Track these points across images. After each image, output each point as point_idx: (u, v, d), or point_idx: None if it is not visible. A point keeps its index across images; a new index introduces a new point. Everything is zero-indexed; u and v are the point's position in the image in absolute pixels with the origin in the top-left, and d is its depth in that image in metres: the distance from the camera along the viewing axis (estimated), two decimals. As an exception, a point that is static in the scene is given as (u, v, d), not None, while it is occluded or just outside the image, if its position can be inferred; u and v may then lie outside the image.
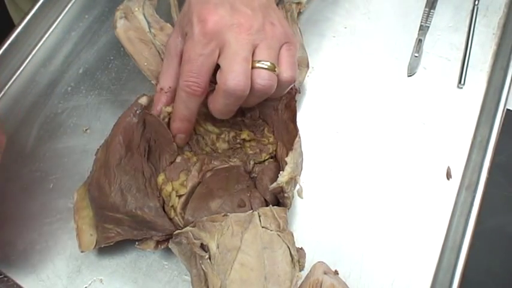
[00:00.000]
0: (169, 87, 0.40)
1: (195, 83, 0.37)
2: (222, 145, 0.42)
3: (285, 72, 0.38)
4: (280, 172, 0.38)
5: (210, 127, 0.43)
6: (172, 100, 0.41)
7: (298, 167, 0.40)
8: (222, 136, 0.43)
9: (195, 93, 0.37)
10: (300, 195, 0.40)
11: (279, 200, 0.40)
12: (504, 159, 0.91)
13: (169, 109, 0.41)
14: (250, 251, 0.36)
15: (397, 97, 0.50)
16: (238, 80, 0.36)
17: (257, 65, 0.37)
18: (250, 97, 0.37)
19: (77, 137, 0.48)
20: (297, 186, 0.40)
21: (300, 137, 0.41)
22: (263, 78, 0.37)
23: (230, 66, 0.36)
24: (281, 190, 0.38)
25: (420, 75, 0.51)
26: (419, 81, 0.51)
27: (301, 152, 0.41)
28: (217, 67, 0.37)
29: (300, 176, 0.41)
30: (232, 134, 0.43)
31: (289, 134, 0.41)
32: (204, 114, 0.42)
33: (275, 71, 0.37)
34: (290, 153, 0.39)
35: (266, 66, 0.37)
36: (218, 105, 0.38)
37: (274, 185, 0.38)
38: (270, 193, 0.39)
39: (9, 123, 0.48)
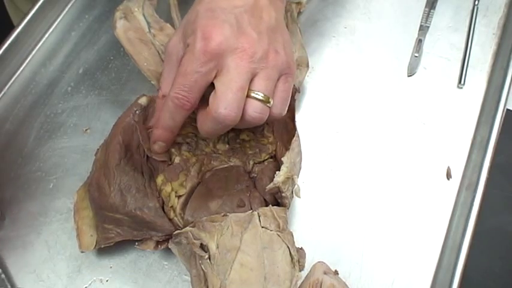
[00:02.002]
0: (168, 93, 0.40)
1: (185, 97, 0.36)
2: (222, 146, 0.42)
3: (276, 108, 0.38)
4: (277, 172, 0.38)
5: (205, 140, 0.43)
6: None
7: (295, 167, 0.40)
8: (222, 137, 0.43)
9: (183, 106, 0.36)
10: (297, 194, 0.40)
11: (277, 200, 0.40)
12: (504, 159, 0.92)
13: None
14: (250, 251, 0.36)
15: (397, 97, 0.50)
16: (230, 109, 0.35)
17: (252, 94, 0.36)
18: (238, 123, 0.37)
19: (77, 137, 0.48)
20: (295, 186, 0.40)
21: (298, 137, 0.41)
22: (255, 110, 0.36)
23: (225, 94, 0.35)
24: (278, 190, 0.38)
25: (420, 75, 0.51)
26: (419, 81, 0.51)
27: (300, 151, 0.41)
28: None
29: (298, 175, 0.41)
30: (231, 134, 0.43)
31: (289, 134, 0.41)
32: None
33: (269, 102, 0.37)
34: (287, 153, 0.39)
35: (261, 98, 0.36)
36: (206, 127, 0.37)
37: (271, 185, 0.38)
38: (268, 193, 0.39)
39: (9, 123, 0.49)
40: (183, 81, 0.36)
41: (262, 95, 0.36)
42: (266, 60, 0.36)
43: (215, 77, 0.36)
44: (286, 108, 0.39)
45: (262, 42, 0.36)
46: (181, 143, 0.42)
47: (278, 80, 0.37)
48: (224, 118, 0.35)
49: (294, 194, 0.40)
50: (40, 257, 0.42)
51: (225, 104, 0.35)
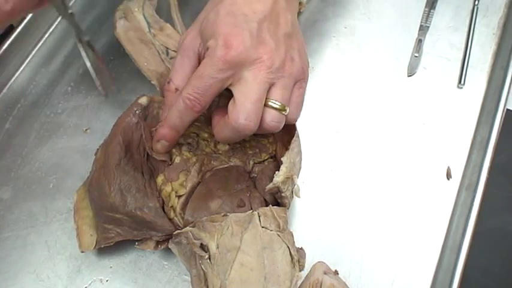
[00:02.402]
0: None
1: (197, 100, 0.36)
2: (222, 147, 0.42)
3: (292, 114, 0.38)
4: (276, 172, 0.38)
5: (207, 135, 0.43)
6: None
7: (295, 167, 0.40)
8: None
9: (194, 108, 0.37)
10: (297, 194, 0.40)
11: (277, 200, 0.40)
12: (504, 159, 0.92)
13: None
14: (250, 251, 0.36)
15: (397, 97, 0.50)
16: (250, 120, 0.36)
17: (269, 103, 0.36)
18: (256, 131, 0.37)
19: (77, 137, 0.48)
20: (295, 186, 0.40)
21: (298, 136, 0.41)
22: (273, 120, 0.37)
23: (244, 104, 0.35)
24: (278, 190, 0.38)
25: (420, 75, 0.51)
26: (419, 81, 0.51)
27: (300, 151, 0.41)
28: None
29: (298, 175, 0.41)
30: None
31: (289, 134, 0.41)
32: (209, 119, 0.42)
33: (285, 110, 0.37)
34: (286, 153, 0.39)
35: (278, 107, 0.37)
36: (224, 135, 0.38)
37: (270, 185, 0.38)
38: (268, 193, 0.39)
39: (9, 123, 0.49)
40: (197, 84, 0.36)
41: (279, 104, 0.37)
42: (283, 69, 0.37)
43: (231, 85, 0.36)
44: (301, 113, 0.40)
45: (280, 52, 0.37)
46: (182, 143, 0.42)
47: (293, 87, 0.38)
48: (244, 128, 0.36)
49: (293, 194, 0.40)
50: (40, 257, 0.42)
51: (244, 115, 0.35)
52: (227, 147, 0.42)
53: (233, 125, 0.36)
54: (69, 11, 0.40)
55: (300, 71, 0.38)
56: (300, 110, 0.40)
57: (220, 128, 0.38)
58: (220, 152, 0.42)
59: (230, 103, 0.37)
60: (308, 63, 0.40)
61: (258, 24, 0.36)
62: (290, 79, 0.37)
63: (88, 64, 0.42)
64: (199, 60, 0.38)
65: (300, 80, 0.39)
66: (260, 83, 0.36)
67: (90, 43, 0.43)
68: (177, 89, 0.39)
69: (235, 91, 0.36)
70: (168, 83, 0.40)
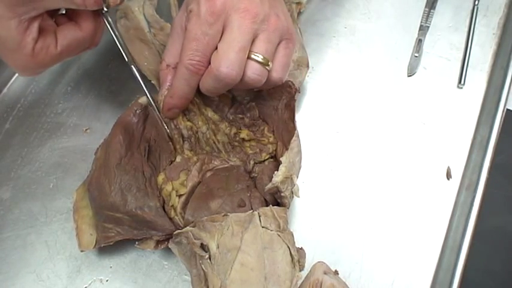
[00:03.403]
0: (176, 64, 0.40)
1: (200, 62, 0.37)
2: (222, 138, 0.42)
3: (276, 72, 0.39)
4: (275, 172, 0.38)
5: (210, 113, 0.43)
6: None
7: (294, 166, 0.40)
8: (222, 126, 0.43)
9: (199, 71, 0.37)
10: (296, 194, 0.40)
11: (277, 199, 0.40)
12: (504, 159, 0.92)
13: (166, 92, 0.41)
14: (251, 251, 0.36)
15: (397, 97, 0.50)
16: (232, 68, 0.36)
17: (252, 56, 0.37)
18: (238, 84, 0.38)
19: (77, 137, 0.48)
20: (294, 186, 0.40)
21: (297, 136, 0.41)
22: (254, 72, 0.37)
23: (227, 53, 0.36)
24: (277, 190, 0.38)
25: (420, 75, 0.51)
26: (419, 81, 0.51)
27: (299, 151, 0.41)
28: None
29: (297, 175, 0.41)
30: (234, 130, 0.43)
31: (289, 134, 0.41)
32: (203, 100, 0.43)
33: (268, 65, 0.37)
34: (285, 153, 0.39)
35: (260, 60, 0.37)
36: (207, 85, 0.38)
37: (270, 185, 0.38)
38: (268, 193, 0.39)
39: (9, 123, 0.48)
40: (195, 47, 0.36)
41: (262, 57, 0.37)
42: (268, 22, 0.37)
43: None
44: (286, 75, 0.40)
45: (264, 6, 0.37)
46: (184, 140, 0.42)
47: (279, 44, 0.38)
48: (225, 76, 0.36)
49: (293, 194, 0.40)
50: (40, 257, 0.42)
51: (227, 63, 0.36)
52: (226, 138, 0.42)
53: (215, 73, 0.36)
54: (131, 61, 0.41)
55: (285, 28, 0.38)
56: (286, 71, 0.39)
57: (203, 79, 0.38)
58: (219, 145, 0.42)
59: (213, 53, 0.37)
60: (294, 32, 0.40)
61: None
62: (275, 34, 0.37)
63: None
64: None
65: (286, 39, 0.39)
66: (244, 32, 0.36)
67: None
68: (168, 66, 0.40)
69: (219, 41, 0.36)
70: (161, 63, 0.41)
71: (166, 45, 0.41)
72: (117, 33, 0.39)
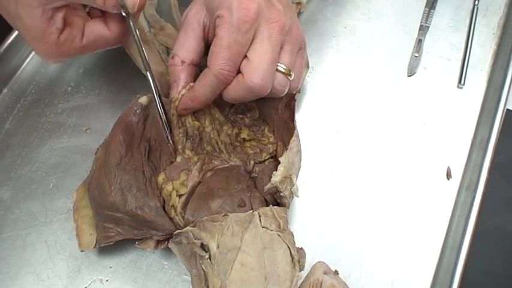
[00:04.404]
0: (192, 60, 0.39)
1: (230, 72, 0.36)
2: (224, 138, 0.42)
3: (294, 82, 0.39)
4: (274, 172, 0.38)
5: (217, 113, 0.42)
6: (192, 76, 0.40)
7: (294, 166, 0.40)
8: (225, 127, 0.42)
9: (228, 81, 0.37)
10: (295, 194, 0.40)
11: (276, 199, 0.40)
12: (504, 159, 0.92)
13: (184, 91, 0.40)
14: (251, 251, 0.36)
15: (397, 97, 0.50)
16: (266, 81, 0.36)
17: (278, 67, 0.37)
18: None
19: (77, 137, 0.48)
20: (294, 186, 0.40)
21: (297, 136, 0.41)
22: (280, 83, 0.37)
23: (261, 64, 0.36)
24: (276, 190, 0.38)
25: (420, 75, 0.51)
26: (419, 81, 0.51)
27: (299, 151, 0.41)
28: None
29: (297, 175, 0.41)
30: (235, 130, 0.43)
31: (290, 134, 0.41)
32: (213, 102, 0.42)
33: (290, 76, 0.37)
34: (285, 153, 0.39)
35: (284, 70, 0.37)
36: (236, 94, 0.38)
37: (269, 185, 0.38)
38: (267, 193, 0.39)
39: (9, 123, 0.48)
40: (228, 55, 0.36)
41: (286, 68, 0.37)
42: (291, 33, 0.37)
43: None
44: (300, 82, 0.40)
45: (287, 16, 0.37)
46: (187, 138, 0.42)
47: (297, 54, 0.39)
48: (260, 88, 0.36)
49: (293, 194, 0.40)
50: (40, 257, 0.42)
51: (261, 75, 0.36)
52: (228, 139, 0.42)
53: (249, 84, 0.36)
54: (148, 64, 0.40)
55: (302, 39, 0.39)
56: (301, 80, 0.40)
57: (232, 87, 0.37)
58: (221, 146, 0.42)
59: (244, 63, 0.36)
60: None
61: None
62: (296, 45, 0.38)
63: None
64: (204, 31, 0.38)
65: (301, 48, 0.39)
66: (274, 43, 0.36)
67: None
68: (183, 62, 0.39)
69: (249, 51, 0.36)
70: (173, 57, 0.39)
71: (178, 39, 0.40)
72: (138, 37, 0.39)
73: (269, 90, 0.37)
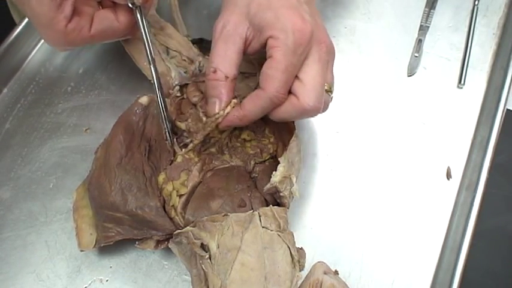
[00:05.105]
0: (235, 75, 0.38)
1: (284, 95, 0.36)
2: (227, 140, 0.42)
3: (331, 97, 0.39)
4: (273, 172, 0.38)
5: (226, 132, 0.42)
6: (233, 91, 0.38)
7: (293, 166, 0.40)
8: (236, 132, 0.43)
9: (281, 102, 0.36)
10: (295, 194, 0.40)
11: (276, 200, 0.40)
12: (504, 159, 0.92)
13: (229, 109, 0.38)
14: (251, 251, 0.36)
15: (397, 97, 0.50)
16: (320, 102, 0.36)
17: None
18: None
19: (77, 137, 0.48)
20: (293, 186, 0.40)
21: (296, 136, 0.41)
22: (326, 102, 0.38)
23: (316, 87, 0.36)
24: (276, 190, 0.38)
25: (420, 75, 0.51)
26: (419, 81, 0.51)
27: (299, 151, 0.41)
28: None
29: (297, 175, 0.41)
30: (236, 131, 0.43)
31: (290, 134, 0.41)
32: None
33: (332, 92, 0.38)
34: (284, 153, 0.39)
35: (328, 89, 0.37)
36: (287, 115, 0.37)
37: (268, 185, 0.38)
38: (267, 193, 0.39)
39: (9, 123, 0.48)
40: (285, 79, 0.36)
41: (328, 86, 0.37)
42: (330, 51, 0.38)
43: None
44: None
45: (325, 32, 0.38)
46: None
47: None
48: (315, 110, 0.36)
49: (292, 194, 0.40)
50: (40, 257, 0.42)
51: (316, 97, 0.36)
52: (230, 141, 0.42)
53: (305, 107, 0.36)
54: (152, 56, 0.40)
55: (334, 53, 0.39)
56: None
57: (285, 109, 0.37)
58: (225, 148, 0.42)
59: (296, 85, 0.36)
60: None
61: (308, 5, 0.37)
62: (332, 61, 0.38)
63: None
64: (245, 44, 0.37)
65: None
66: (324, 65, 0.36)
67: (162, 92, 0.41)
68: (227, 77, 0.37)
69: (301, 73, 0.36)
70: (214, 72, 0.37)
71: (216, 51, 0.37)
72: (145, 30, 0.39)
73: (321, 111, 0.37)
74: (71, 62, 0.52)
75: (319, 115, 0.48)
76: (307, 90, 0.36)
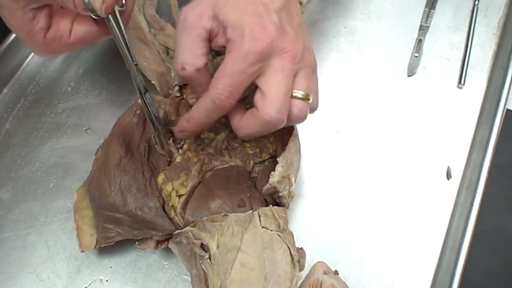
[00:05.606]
0: (205, 64, 0.37)
1: (228, 99, 0.35)
2: (226, 141, 0.42)
3: (314, 102, 0.38)
4: (272, 172, 0.38)
5: (224, 133, 0.42)
6: (209, 75, 0.38)
7: (292, 166, 0.40)
8: (226, 129, 0.43)
9: (224, 108, 0.36)
10: (293, 193, 0.40)
11: (276, 200, 0.40)
12: (504, 159, 0.92)
13: (194, 101, 0.39)
14: (251, 251, 0.36)
15: (397, 97, 0.50)
16: (282, 113, 0.35)
17: (294, 94, 0.36)
18: None
19: (77, 137, 0.48)
20: (292, 186, 0.40)
21: (295, 136, 0.41)
22: (300, 110, 0.36)
23: (276, 97, 0.35)
24: (275, 190, 0.38)
25: (420, 75, 0.51)
26: (419, 81, 0.51)
27: (298, 151, 0.41)
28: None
29: (296, 175, 0.40)
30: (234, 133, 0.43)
31: (289, 134, 0.41)
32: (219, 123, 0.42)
33: (309, 100, 0.37)
34: (283, 153, 0.39)
35: (302, 96, 0.36)
36: (251, 130, 0.37)
37: (267, 186, 0.38)
38: (266, 193, 0.39)
39: (9, 123, 0.48)
40: (228, 82, 0.35)
41: (304, 94, 0.36)
42: (303, 59, 0.36)
43: (257, 77, 0.35)
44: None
45: (299, 42, 0.36)
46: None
47: (312, 75, 0.38)
48: (276, 121, 0.35)
49: (291, 194, 0.40)
50: (40, 257, 0.42)
51: (278, 108, 0.35)
52: (226, 144, 0.42)
53: (266, 118, 0.35)
54: (134, 62, 0.39)
55: (314, 61, 0.38)
56: (318, 98, 0.39)
57: (246, 123, 0.37)
58: (224, 150, 0.42)
59: (257, 97, 0.35)
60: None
61: (278, 14, 0.36)
62: (309, 69, 0.37)
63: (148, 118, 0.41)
64: (211, 36, 0.37)
65: (315, 68, 0.39)
66: (287, 73, 0.35)
67: (148, 97, 0.40)
68: (198, 69, 0.37)
69: (262, 84, 0.35)
70: (183, 68, 0.37)
71: (182, 46, 0.37)
72: (119, 37, 0.37)
73: (285, 122, 0.36)
74: (71, 62, 0.52)
75: (319, 115, 0.48)
76: (267, 101, 0.35)
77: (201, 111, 0.37)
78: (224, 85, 0.35)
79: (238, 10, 0.35)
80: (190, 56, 0.37)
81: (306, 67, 0.37)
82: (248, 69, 0.34)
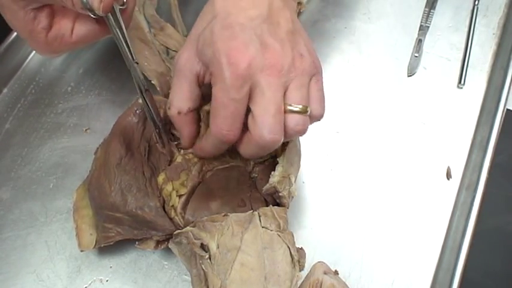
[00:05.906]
0: (189, 108, 0.38)
1: (230, 131, 0.34)
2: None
3: (316, 111, 0.36)
4: (272, 172, 0.38)
5: None
6: (195, 120, 0.39)
7: (292, 166, 0.40)
8: None
9: (229, 140, 0.35)
10: (293, 193, 0.40)
11: (276, 200, 0.40)
12: (504, 159, 0.92)
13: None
14: (251, 251, 0.36)
15: (397, 97, 0.50)
16: (274, 133, 0.34)
17: (289, 108, 0.34)
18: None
19: (77, 137, 0.48)
20: (292, 186, 0.40)
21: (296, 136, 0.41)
22: (297, 124, 0.35)
23: (265, 118, 0.33)
24: (275, 190, 0.38)
25: (420, 75, 0.51)
26: (419, 81, 0.51)
27: (298, 150, 0.41)
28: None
29: (296, 175, 0.40)
30: None
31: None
32: None
33: (307, 111, 0.35)
34: (283, 153, 0.39)
35: (298, 109, 0.34)
36: (250, 152, 0.36)
37: (267, 186, 0.38)
38: (266, 193, 0.39)
39: (9, 123, 0.48)
40: (224, 114, 0.34)
41: (300, 106, 0.35)
42: (294, 68, 0.35)
43: (249, 99, 0.34)
44: (325, 106, 0.38)
45: (286, 51, 0.35)
46: None
47: (309, 82, 0.36)
48: (270, 142, 0.34)
49: (295, 194, 0.40)
50: (40, 257, 0.42)
51: (268, 129, 0.34)
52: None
53: (258, 141, 0.34)
54: (135, 61, 0.39)
55: (312, 66, 0.36)
56: (324, 104, 0.37)
57: (245, 145, 0.36)
58: (226, 152, 0.42)
59: (249, 120, 0.35)
60: (319, 60, 0.38)
61: (257, 30, 0.34)
62: (304, 76, 0.35)
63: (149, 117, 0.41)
64: (199, 80, 0.37)
65: (315, 74, 0.37)
66: (275, 90, 0.34)
67: (149, 95, 0.40)
68: (179, 112, 0.38)
69: (251, 105, 0.34)
70: (169, 108, 0.38)
71: (173, 88, 0.38)
72: (118, 35, 0.37)
73: (281, 139, 0.35)
74: (71, 62, 0.52)
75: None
76: (257, 123, 0.34)
77: (210, 145, 0.38)
78: (220, 117, 0.34)
79: (213, 42, 0.34)
80: (176, 98, 0.38)
81: (298, 76, 0.35)
82: (236, 96, 0.33)
